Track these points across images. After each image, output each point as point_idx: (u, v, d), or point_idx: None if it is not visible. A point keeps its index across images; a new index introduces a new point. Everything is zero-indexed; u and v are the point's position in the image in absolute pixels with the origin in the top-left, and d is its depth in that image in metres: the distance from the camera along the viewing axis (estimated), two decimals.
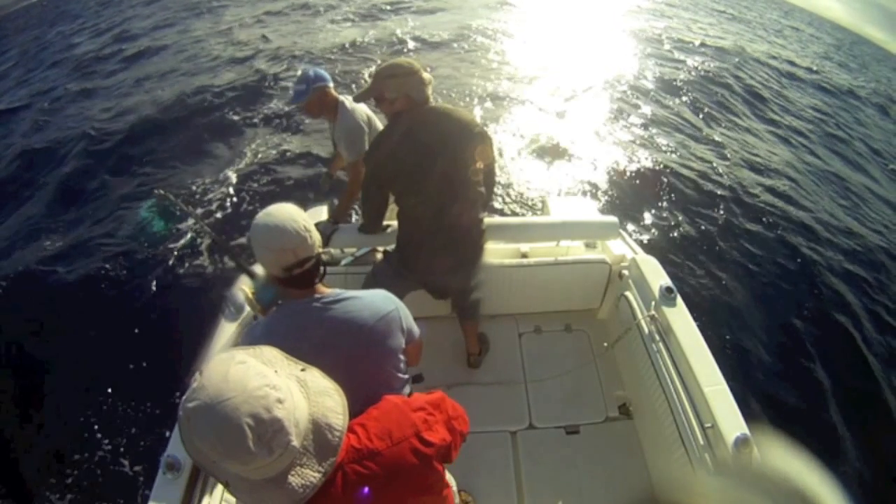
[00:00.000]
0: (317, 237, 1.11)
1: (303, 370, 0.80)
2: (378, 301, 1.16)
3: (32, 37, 11.83)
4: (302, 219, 1.08)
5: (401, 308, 1.20)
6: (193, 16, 11.35)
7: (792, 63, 13.04)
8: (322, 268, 1.13)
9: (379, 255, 2.54)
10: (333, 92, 2.33)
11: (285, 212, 1.09)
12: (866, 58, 20.52)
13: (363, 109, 2.44)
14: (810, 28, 23.89)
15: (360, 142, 2.32)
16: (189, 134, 5.98)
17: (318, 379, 0.81)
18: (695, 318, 1.80)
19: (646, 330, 1.90)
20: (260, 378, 0.69)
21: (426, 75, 1.69)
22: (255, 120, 6.34)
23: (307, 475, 0.72)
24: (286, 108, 6.41)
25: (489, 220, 1.97)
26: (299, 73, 2.30)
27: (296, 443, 0.70)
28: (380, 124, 2.45)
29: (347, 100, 2.37)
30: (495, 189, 4.98)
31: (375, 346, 1.13)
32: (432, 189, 1.72)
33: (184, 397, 0.69)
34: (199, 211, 4.51)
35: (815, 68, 13.35)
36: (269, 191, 4.88)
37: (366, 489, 0.82)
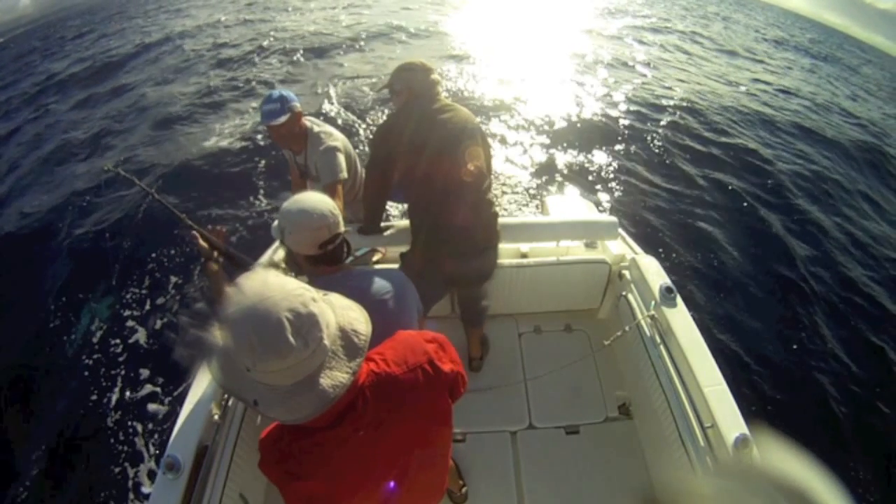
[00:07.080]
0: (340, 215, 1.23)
1: (325, 295, 0.84)
2: (395, 277, 1.32)
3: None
4: (328, 199, 1.21)
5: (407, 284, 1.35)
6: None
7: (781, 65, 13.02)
8: (348, 244, 1.25)
9: (378, 256, 2.56)
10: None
11: (312, 196, 1.20)
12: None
13: (337, 133, 2.29)
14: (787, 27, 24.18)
15: (338, 163, 2.14)
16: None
17: (340, 298, 0.86)
18: (695, 319, 1.79)
19: (646, 330, 1.89)
20: (296, 282, 0.75)
21: (435, 76, 1.82)
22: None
23: (336, 376, 0.74)
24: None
25: None
26: (266, 94, 2.08)
27: (327, 342, 0.73)
28: (351, 148, 2.34)
29: (315, 123, 2.23)
30: (495, 190, 5.06)
31: (401, 312, 1.28)
32: (433, 178, 1.73)
33: (222, 312, 0.71)
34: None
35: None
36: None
37: (392, 483, 0.84)
